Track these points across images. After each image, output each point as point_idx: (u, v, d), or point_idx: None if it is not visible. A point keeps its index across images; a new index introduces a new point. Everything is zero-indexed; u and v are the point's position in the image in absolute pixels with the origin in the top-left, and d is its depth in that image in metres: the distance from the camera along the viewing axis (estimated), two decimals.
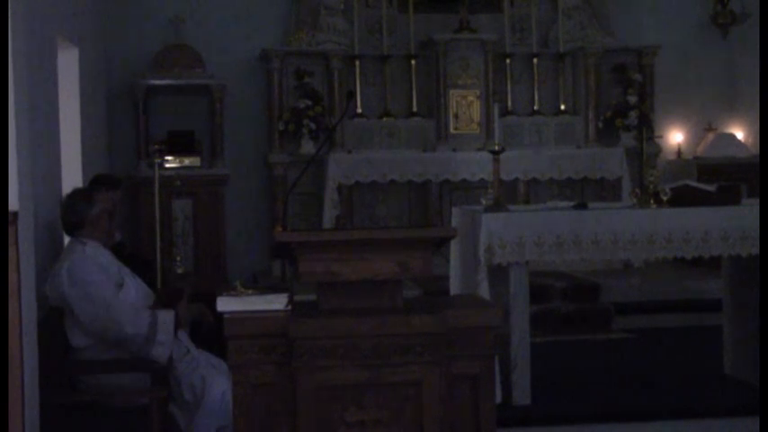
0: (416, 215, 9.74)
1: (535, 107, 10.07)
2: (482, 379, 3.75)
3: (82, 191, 5.20)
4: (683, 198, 5.94)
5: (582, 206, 6.07)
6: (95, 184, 5.95)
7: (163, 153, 9.01)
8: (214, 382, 4.82)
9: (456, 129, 9.77)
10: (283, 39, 9.98)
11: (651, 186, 6.00)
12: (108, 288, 4.81)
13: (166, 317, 4.80)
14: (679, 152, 10.69)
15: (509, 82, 9.97)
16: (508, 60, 9.94)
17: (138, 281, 5.08)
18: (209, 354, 5.09)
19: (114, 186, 5.91)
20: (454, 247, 6.23)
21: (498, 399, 5.18)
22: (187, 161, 9.32)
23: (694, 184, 6.23)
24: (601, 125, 10.02)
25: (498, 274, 5.85)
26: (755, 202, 5.91)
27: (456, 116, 9.78)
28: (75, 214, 4.96)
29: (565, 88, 10.12)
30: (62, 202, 5.09)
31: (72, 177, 6.60)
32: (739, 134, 10.79)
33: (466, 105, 9.78)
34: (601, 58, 10.10)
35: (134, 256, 5.54)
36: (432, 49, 9.79)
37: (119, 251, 5.40)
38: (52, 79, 5.83)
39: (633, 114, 9.86)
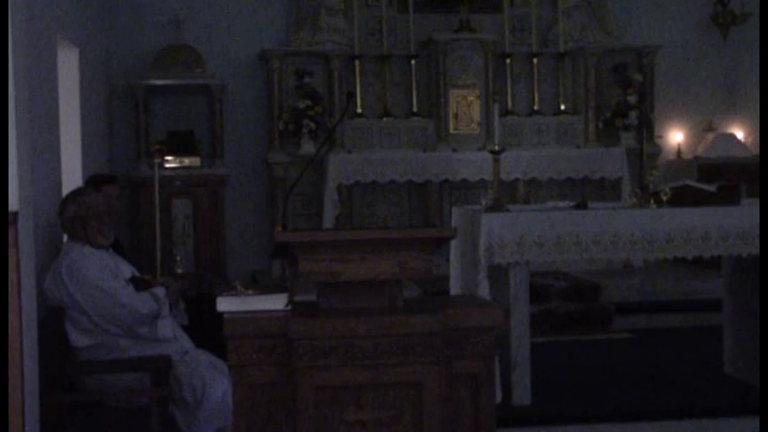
0: (416, 215, 9.74)
1: (535, 107, 10.08)
2: (482, 379, 3.74)
3: (67, 195, 5.20)
4: (683, 198, 5.94)
5: (582, 206, 6.07)
6: (88, 184, 5.96)
7: (163, 153, 9.01)
8: (214, 383, 4.82)
9: (456, 129, 9.78)
10: (283, 39, 9.98)
11: (651, 186, 6.00)
12: (109, 278, 4.89)
13: (161, 292, 4.99)
14: (679, 152, 10.70)
15: (509, 82, 9.97)
16: (508, 60, 9.94)
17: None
18: (210, 354, 5.09)
19: (107, 183, 5.90)
20: (454, 247, 6.23)
21: (498, 399, 5.19)
22: (187, 161, 9.32)
23: (694, 184, 6.23)
24: (601, 125, 10.02)
25: (498, 274, 5.85)
26: (755, 202, 5.91)
27: (456, 116, 9.78)
28: (59, 218, 5.01)
29: (565, 88, 10.13)
30: None
31: (72, 177, 6.60)
32: (739, 134, 10.79)
33: (466, 105, 9.78)
34: (601, 58, 10.10)
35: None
36: (432, 49, 9.79)
37: (116, 251, 5.40)
38: (52, 79, 5.82)
39: (633, 114, 9.86)
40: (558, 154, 9.81)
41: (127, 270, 5.13)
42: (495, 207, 5.83)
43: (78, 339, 4.84)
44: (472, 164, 9.50)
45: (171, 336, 5.03)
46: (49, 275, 4.82)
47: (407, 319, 3.63)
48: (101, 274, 4.87)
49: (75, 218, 4.95)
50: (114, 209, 5.39)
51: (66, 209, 4.99)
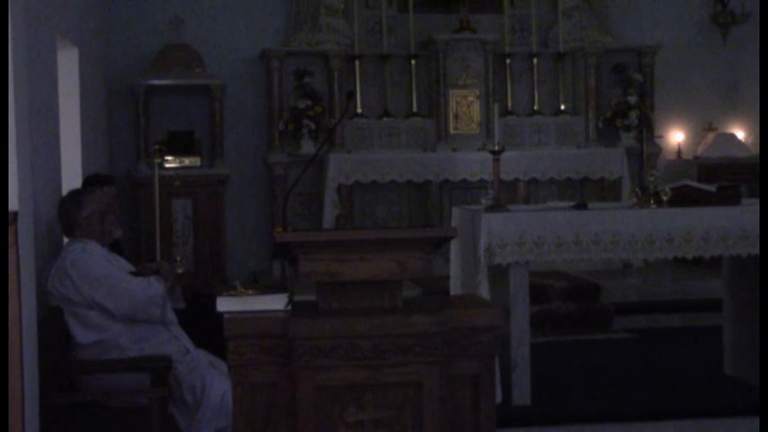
0: (416, 215, 9.74)
1: (535, 107, 10.08)
2: (482, 379, 3.75)
3: (73, 193, 5.22)
4: (683, 198, 5.95)
5: (582, 206, 6.07)
6: (87, 185, 5.96)
7: (163, 153, 9.00)
8: (214, 383, 4.83)
9: (456, 129, 9.77)
10: (283, 39, 9.98)
11: (651, 186, 6.00)
12: (114, 269, 4.96)
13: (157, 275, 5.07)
14: (679, 152, 10.70)
15: (509, 82, 9.97)
16: (508, 60, 9.94)
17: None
18: (210, 354, 5.09)
19: (106, 184, 5.92)
20: (454, 247, 6.23)
21: (498, 399, 5.19)
22: (187, 161, 9.32)
23: (694, 184, 6.24)
24: (601, 125, 10.02)
25: (498, 274, 5.85)
26: (755, 202, 5.91)
27: (456, 116, 9.78)
28: (66, 217, 5.03)
29: (565, 88, 10.12)
30: (57, 206, 5.14)
31: (72, 177, 6.60)
32: (739, 134, 10.79)
33: (466, 105, 9.78)
34: (601, 58, 10.10)
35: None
36: (432, 49, 9.79)
37: (116, 250, 5.41)
38: (52, 79, 5.82)
39: (633, 114, 9.86)
40: (558, 154, 9.81)
41: (125, 266, 5.15)
42: (495, 207, 5.83)
43: (83, 336, 4.84)
44: (472, 164, 9.49)
45: (175, 319, 5.09)
46: (52, 274, 4.82)
47: (407, 319, 3.63)
48: (105, 264, 4.94)
49: (93, 215, 5.01)
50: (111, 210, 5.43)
51: (83, 207, 5.02)
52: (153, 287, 4.95)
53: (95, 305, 4.82)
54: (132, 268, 5.21)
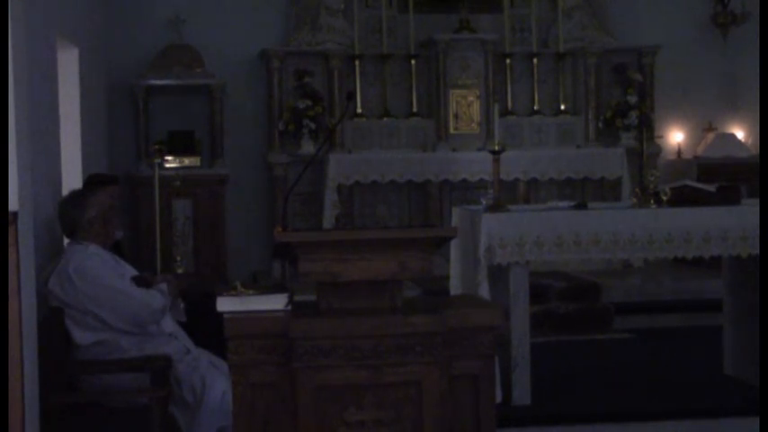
0: (416, 215, 9.74)
1: (535, 107, 10.08)
2: (482, 379, 3.75)
3: (75, 195, 5.20)
4: (683, 198, 5.94)
5: (582, 206, 6.07)
6: (89, 185, 5.96)
7: (163, 153, 8.99)
8: (214, 383, 4.82)
9: (456, 129, 9.78)
10: (283, 39, 9.98)
11: (651, 186, 6.00)
12: (117, 277, 4.94)
13: (164, 288, 5.05)
14: (679, 152, 10.70)
15: (509, 82, 9.97)
16: (508, 60, 9.94)
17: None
18: (210, 354, 5.09)
19: (109, 183, 5.92)
20: (454, 247, 6.23)
21: (498, 399, 5.18)
22: (187, 161, 9.32)
23: (694, 184, 6.23)
24: (601, 125, 10.02)
25: (498, 274, 5.85)
26: (755, 202, 5.91)
27: (456, 116, 9.78)
28: (68, 219, 5.01)
29: (565, 88, 10.13)
30: (57, 207, 5.13)
31: (72, 177, 6.60)
32: (739, 134, 10.79)
33: (466, 105, 9.79)
34: (601, 58, 10.10)
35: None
36: (432, 49, 9.79)
37: (116, 251, 5.41)
38: (52, 79, 5.82)
39: (633, 114, 9.86)
40: (558, 154, 9.82)
41: (128, 270, 5.14)
42: (495, 207, 5.83)
43: (82, 337, 4.83)
44: (472, 164, 9.49)
45: (172, 329, 5.08)
46: (53, 276, 4.81)
47: (407, 319, 3.63)
48: (109, 273, 4.92)
49: (97, 217, 4.99)
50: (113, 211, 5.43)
51: (87, 209, 5.01)
52: (156, 300, 4.94)
53: (90, 313, 4.81)
54: (135, 272, 5.19)
